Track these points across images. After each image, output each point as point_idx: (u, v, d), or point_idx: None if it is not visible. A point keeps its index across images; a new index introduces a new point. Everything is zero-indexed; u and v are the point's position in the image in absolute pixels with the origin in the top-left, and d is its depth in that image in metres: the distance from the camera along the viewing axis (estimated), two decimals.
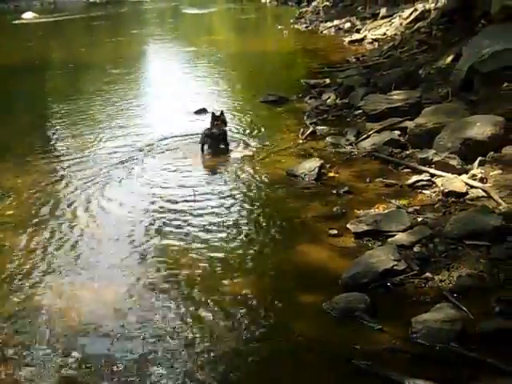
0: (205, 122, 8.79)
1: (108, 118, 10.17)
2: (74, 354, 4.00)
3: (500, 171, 6.20)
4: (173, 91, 12.36)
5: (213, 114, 8.11)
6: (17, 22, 29.14)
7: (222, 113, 8.13)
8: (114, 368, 3.85)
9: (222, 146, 8.00)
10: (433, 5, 15.62)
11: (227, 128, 8.23)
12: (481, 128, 6.75)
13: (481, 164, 6.44)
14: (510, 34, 8.59)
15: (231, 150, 7.94)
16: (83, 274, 5.01)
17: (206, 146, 7.92)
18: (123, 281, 4.89)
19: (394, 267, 4.69)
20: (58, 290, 4.78)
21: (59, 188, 6.94)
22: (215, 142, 7.95)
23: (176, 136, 8.73)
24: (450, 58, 10.07)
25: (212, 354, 3.98)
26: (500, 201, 5.63)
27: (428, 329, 3.97)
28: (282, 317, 4.36)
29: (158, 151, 8.15)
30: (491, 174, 6.20)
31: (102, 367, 3.87)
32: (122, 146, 8.47)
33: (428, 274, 4.66)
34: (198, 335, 4.17)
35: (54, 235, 5.72)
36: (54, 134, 9.35)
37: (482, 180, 6.12)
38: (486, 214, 5.26)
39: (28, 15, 31.16)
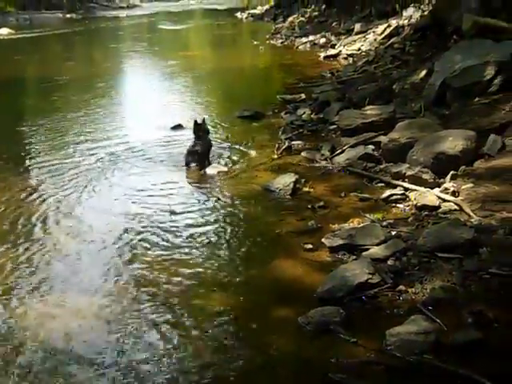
0: (182, 138, 8.86)
1: (81, 134, 10.12)
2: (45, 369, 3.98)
3: (472, 185, 6.30)
4: (149, 107, 12.36)
5: (195, 122, 8.14)
6: None
7: (203, 121, 8.19)
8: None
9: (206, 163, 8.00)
10: (406, 21, 15.90)
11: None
12: (453, 142, 6.85)
13: (453, 178, 6.54)
14: (480, 50, 8.75)
15: (206, 166, 7.95)
16: (56, 292, 4.98)
17: (192, 164, 7.90)
18: (96, 298, 4.86)
19: (369, 280, 4.73)
20: (28, 307, 4.74)
21: (32, 205, 6.87)
22: (200, 158, 7.95)
23: (152, 152, 8.73)
24: (423, 73, 10.23)
25: (184, 369, 3.97)
26: (472, 214, 5.72)
27: (402, 341, 4.01)
28: (256, 331, 4.37)
29: (132, 168, 8.15)
30: (463, 187, 6.29)
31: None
32: (95, 162, 8.44)
33: (402, 287, 4.71)
34: (170, 350, 4.17)
35: (26, 252, 5.67)
36: (26, 149, 9.26)
37: (454, 194, 6.21)
38: (458, 227, 5.35)
39: (3, 31, 31.01)
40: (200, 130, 8.14)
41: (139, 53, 22.38)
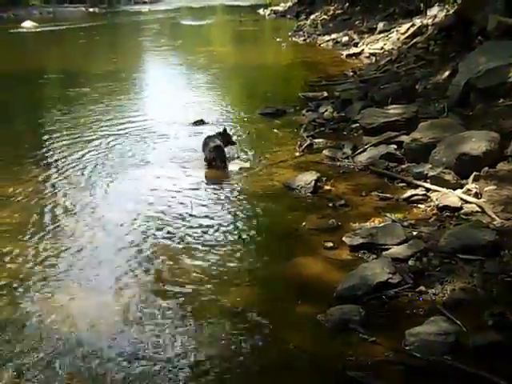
0: (203, 133, 8.90)
1: (107, 127, 10.20)
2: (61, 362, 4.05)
3: (494, 187, 6.25)
4: (171, 102, 12.42)
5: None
6: (15, 30, 29.25)
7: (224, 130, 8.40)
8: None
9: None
10: (430, 20, 15.78)
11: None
12: (476, 143, 6.81)
13: (475, 179, 6.50)
14: (506, 51, 8.68)
15: (229, 162, 7.97)
16: (77, 284, 5.05)
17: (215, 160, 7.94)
18: (118, 293, 4.92)
19: (389, 280, 4.74)
20: (51, 300, 4.81)
21: (54, 197, 6.98)
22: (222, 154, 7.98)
23: (173, 147, 8.79)
24: (446, 74, 10.17)
25: (207, 365, 4.01)
26: (494, 216, 5.69)
27: (421, 341, 4.02)
28: (277, 328, 4.39)
29: (153, 161, 8.22)
30: (486, 189, 6.25)
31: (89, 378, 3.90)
32: (120, 155, 8.53)
33: (422, 288, 4.71)
34: (193, 346, 4.21)
35: (47, 245, 5.74)
36: (49, 143, 9.34)
37: (476, 195, 6.18)
38: (480, 229, 5.33)
39: (27, 24, 31.31)
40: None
41: (161, 48, 22.45)
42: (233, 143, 8.42)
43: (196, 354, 4.12)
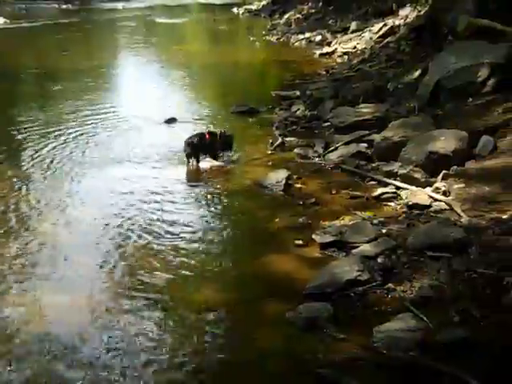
0: (175, 131, 8.85)
1: (79, 124, 10.09)
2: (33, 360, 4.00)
3: (463, 185, 6.33)
4: (144, 100, 12.32)
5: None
6: None
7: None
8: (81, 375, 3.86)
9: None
10: (402, 20, 15.88)
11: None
12: (445, 142, 6.89)
13: (444, 177, 6.57)
14: (475, 51, 8.77)
15: (200, 161, 7.95)
16: (47, 282, 5.02)
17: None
18: (88, 289, 4.90)
19: (358, 278, 4.77)
20: (19, 297, 4.77)
21: (24, 195, 6.90)
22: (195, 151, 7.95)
23: (145, 145, 8.74)
24: (417, 73, 10.24)
25: (175, 362, 4.01)
26: (462, 214, 5.75)
27: (389, 338, 4.06)
28: (246, 325, 4.41)
29: (124, 158, 8.19)
30: (454, 187, 6.32)
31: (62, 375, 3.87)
32: (90, 153, 8.48)
33: (390, 285, 4.76)
34: (161, 343, 4.20)
35: (11, 242, 5.70)
36: (18, 141, 9.21)
37: (445, 193, 6.25)
38: (448, 227, 5.40)
39: None
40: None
41: (135, 45, 22.26)
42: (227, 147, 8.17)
43: (164, 351, 4.12)
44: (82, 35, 26.81)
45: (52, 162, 8.09)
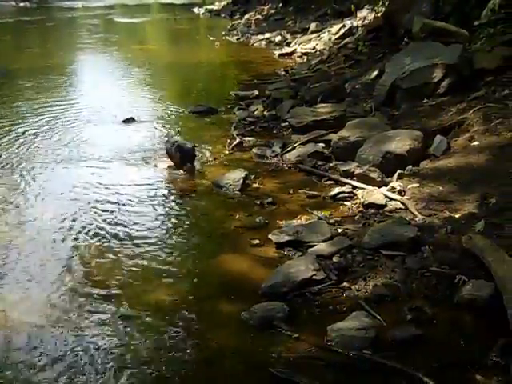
0: (132, 131, 8.76)
1: (33, 122, 9.92)
2: None
3: (417, 184, 6.41)
4: (101, 99, 12.14)
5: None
6: None
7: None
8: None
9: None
10: (360, 22, 16.04)
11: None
12: (400, 142, 6.97)
13: (400, 177, 6.64)
14: (429, 52, 8.90)
15: (155, 160, 7.88)
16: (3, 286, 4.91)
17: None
18: (40, 290, 4.82)
19: (313, 277, 4.78)
20: None
21: None
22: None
23: (101, 146, 8.63)
24: (374, 74, 10.36)
25: (128, 362, 3.96)
26: (416, 213, 5.82)
27: (342, 337, 4.07)
28: (199, 325, 4.38)
29: (78, 158, 8.11)
30: (409, 186, 6.40)
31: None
32: (44, 152, 8.35)
33: (345, 284, 4.77)
34: (115, 343, 4.15)
35: None
36: None
37: (400, 193, 6.31)
38: (403, 226, 5.44)
39: None
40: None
41: (94, 45, 22.00)
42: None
43: (117, 351, 4.07)
44: (40, 34, 26.40)
45: (3, 160, 7.92)
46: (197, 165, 7.68)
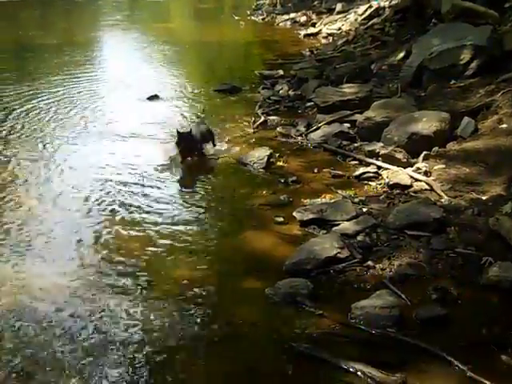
0: (157, 108, 8.77)
1: (60, 99, 9.99)
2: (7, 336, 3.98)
3: (443, 166, 6.35)
4: (126, 77, 12.19)
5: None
6: None
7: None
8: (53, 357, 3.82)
9: None
10: (387, 3, 15.84)
11: None
12: (427, 123, 6.90)
13: (425, 158, 6.59)
14: (458, 33, 8.79)
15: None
16: (29, 259, 4.96)
17: None
18: (69, 266, 4.85)
19: (337, 255, 4.78)
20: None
21: (10, 170, 6.85)
22: None
23: (126, 122, 8.67)
24: (401, 55, 10.26)
25: (154, 336, 3.99)
26: (442, 194, 5.78)
27: (366, 314, 4.07)
28: (224, 300, 4.42)
29: (104, 135, 8.14)
30: (435, 168, 6.35)
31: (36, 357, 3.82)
32: (72, 128, 8.41)
33: (370, 263, 4.77)
34: (141, 318, 4.18)
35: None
36: (2, 113, 9.09)
37: (426, 173, 6.27)
38: (428, 206, 5.41)
39: None
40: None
41: (118, 22, 22.00)
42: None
43: (143, 326, 4.09)
44: (67, 10, 26.42)
45: (33, 135, 8.02)
46: (211, 149, 7.45)
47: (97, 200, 6.06)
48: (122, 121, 8.74)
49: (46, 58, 14.04)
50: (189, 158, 7.12)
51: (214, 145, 7.51)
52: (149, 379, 3.64)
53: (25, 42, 16.44)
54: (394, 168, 6.47)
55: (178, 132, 7.06)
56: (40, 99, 9.99)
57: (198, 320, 4.20)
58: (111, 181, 6.52)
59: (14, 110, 9.33)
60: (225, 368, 3.76)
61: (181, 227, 5.50)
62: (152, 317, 4.20)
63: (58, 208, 5.92)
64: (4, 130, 8.32)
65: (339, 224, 5.35)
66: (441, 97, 7.98)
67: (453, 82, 8.26)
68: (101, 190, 6.28)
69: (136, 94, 10.27)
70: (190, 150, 7.11)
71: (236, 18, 22.93)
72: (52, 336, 3.99)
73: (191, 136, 7.07)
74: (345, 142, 7.52)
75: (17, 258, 4.94)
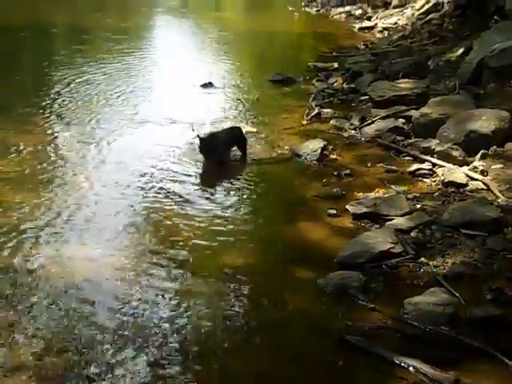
0: (211, 95, 8.81)
1: (115, 84, 10.12)
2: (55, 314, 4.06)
3: (501, 165, 6.24)
4: (180, 63, 12.30)
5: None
6: None
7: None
8: (102, 334, 3.88)
9: None
10: None
11: None
12: (486, 122, 6.78)
13: (483, 157, 6.48)
14: None
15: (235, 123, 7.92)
16: (80, 236, 5.06)
17: None
18: (115, 247, 4.93)
19: (391, 250, 4.75)
20: (52, 249, 4.82)
21: (60, 148, 6.99)
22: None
23: (181, 108, 8.75)
24: (460, 51, 10.06)
25: (205, 323, 4.02)
26: (499, 194, 5.69)
27: (420, 311, 4.04)
28: (277, 290, 4.43)
29: (158, 120, 8.19)
30: (492, 167, 6.24)
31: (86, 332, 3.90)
32: (126, 112, 8.53)
33: (423, 259, 4.73)
34: (191, 304, 4.22)
35: (52, 195, 5.78)
36: (55, 97, 9.24)
37: (482, 173, 6.17)
38: (485, 206, 5.33)
39: None
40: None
41: (170, 11, 22.17)
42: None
43: (194, 312, 4.13)
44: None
45: (87, 118, 8.15)
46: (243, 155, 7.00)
47: (144, 185, 6.11)
48: (176, 106, 8.81)
49: (103, 43, 14.23)
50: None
51: (244, 153, 6.93)
52: (193, 363, 3.66)
53: (81, 26, 16.67)
54: (450, 166, 6.38)
55: (198, 137, 6.63)
56: (95, 83, 10.12)
57: (248, 307, 4.23)
58: (159, 166, 6.56)
59: (66, 91, 9.48)
60: (272, 354, 3.77)
61: (232, 216, 5.54)
62: (202, 302, 4.24)
63: (109, 190, 6.00)
64: (56, 113, 8.44)
65: (393, 219, 5.32)
66: (501, 95, 7.81)
67: None
68: (147, 174, 6.33)
69: (190, 81, 10.33)
70: (210, 155, 6.63)
71: (290, 9, 22.84)
72: (97, 310, 4.09)
73: (213, 141, 6.60)
74: (399, 138, 7.45)
75: (68, 236, 5.05)
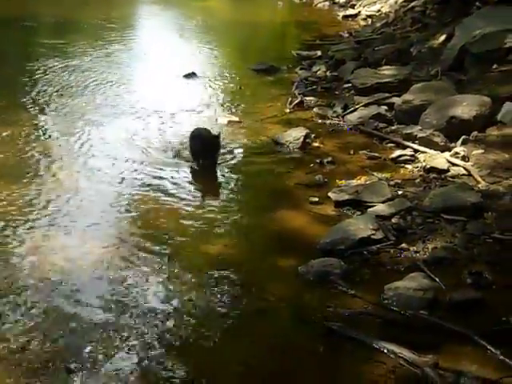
0: (194, 85, 8.76)
1: (96, 75, 10.04)
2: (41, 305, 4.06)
3: (482, 151, 6.26)
4: (163, 53, 12.20)
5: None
6: None
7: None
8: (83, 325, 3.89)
9: None
10: None
11: None
12: (467, 107, 6.80)
13: (464, 143, 6.50)
14: (502, 17, 8.59)
15: (218, 115, 7.90)
16: (63, 227, 5.06)
17: None
18: (102, 236, 4.95)
19: (372, 236, 4.78)
20: (36, 240, 4.82)
21: (43, 141, 6.94)
22: None
23: (163, 98, 8.70)
24: (442, 38, 10.04)
25: (186, 312, 4.04)
26: (480, 179, 5.72)
27: (400, 296, 4.07)
28: (258, 277, 4.45)
29: (140, 111, 8.14)
30: (473, 153, 6.26)
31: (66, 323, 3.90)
32: (108, 103, 8.46)
33: (404, 245, 4.75)
34: (173, 294, 4.24)
35: (37, 187, 5.75)
36: (38, 88, 9.16)
37: (463, 158, 6.19)
38: (465, 191, 5.36)
39: None
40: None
41: (156, 1, 22.01)
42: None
43: (176, 302, 4.16)
44: None
45: (69, 110, 8.08)
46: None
47: (128, 176, 6.10)
48: (159, 97, 8.74)
49: (84, 34, 14.09)
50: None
51: (215, 162, 6.36)
52: (177, 352, 3.68)
53: (60, 17, 16.47)
54: (432, 152, 6.41)
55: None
56: (76, 76, 10.01)
57: (230, 295, 4.24)
58: (141, 156, 6.55)
59: (48, 82, 9.39)
60: (255, 343, 3.78)
61: (214, 205, 5.56)
62: (183, 291, 4.25)
63: (92, 181, 5.99)
64: (40, 105, 8.36)
65: (374, 206, 5.33)
66: (482, 81, 7.83)
67: (495, 66, 8.09)
68: (132, 167, 6.31)
69: (173, 71, 10.26)
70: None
71: None
72: (82, 302, 4.10)
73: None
74: (382, 125, 7.45)
75: (55, 227, 5.03)
